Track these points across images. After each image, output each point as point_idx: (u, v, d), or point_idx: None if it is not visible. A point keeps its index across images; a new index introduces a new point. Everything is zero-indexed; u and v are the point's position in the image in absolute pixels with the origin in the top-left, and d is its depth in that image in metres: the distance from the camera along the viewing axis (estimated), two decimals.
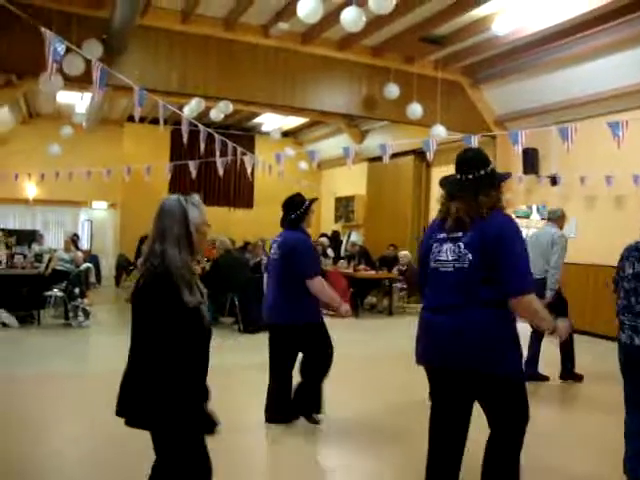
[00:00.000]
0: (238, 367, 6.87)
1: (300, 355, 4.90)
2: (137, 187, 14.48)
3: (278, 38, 9.71)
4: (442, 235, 2.93)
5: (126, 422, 2.43)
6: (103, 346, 8.71)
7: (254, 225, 16.08)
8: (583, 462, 4.33)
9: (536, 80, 10.39)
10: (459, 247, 2.82)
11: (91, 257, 14.33)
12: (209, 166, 12.70)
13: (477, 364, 2.76)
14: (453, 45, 10.07)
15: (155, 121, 13.49)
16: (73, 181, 12.86)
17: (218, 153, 9.27)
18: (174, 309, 2.34)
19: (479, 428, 2.94)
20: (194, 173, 11.16)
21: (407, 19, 8.94)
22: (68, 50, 5.35)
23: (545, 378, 6.55)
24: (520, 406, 2.87)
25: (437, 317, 2.90)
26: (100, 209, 18.05)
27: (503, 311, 2.77)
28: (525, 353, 6.51)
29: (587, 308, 9.02)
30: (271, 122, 16.60)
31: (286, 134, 17.84)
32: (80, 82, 8.05)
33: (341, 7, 7.12)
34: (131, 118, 15.27)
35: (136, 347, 2.42)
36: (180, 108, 10.00)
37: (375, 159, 14.25)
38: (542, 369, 6.56)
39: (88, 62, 6.17)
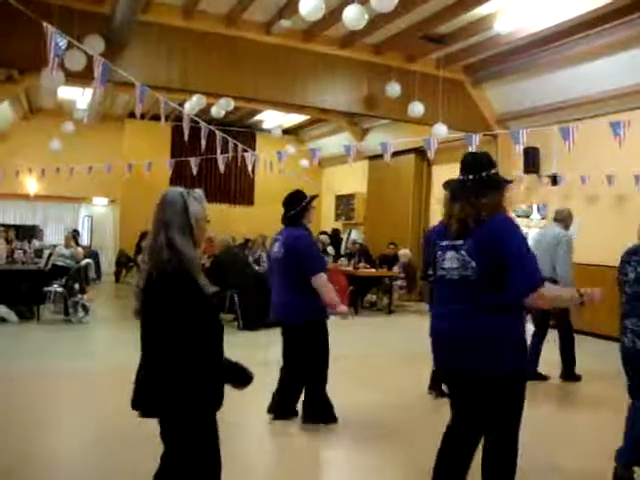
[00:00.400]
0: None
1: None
2: (138, 183, 14.48)
3: (280, 35, 9.70)
4: (445, 242, 2.93)
5: (143, 414, 2.44)
6: (103, 342, 8.72)
7: (255, 222, 16.09)
8: (582, 460, 4.34)
9: (538, 79, 10.38)
10: (462, 255, 2.82)
11: (91, 253, 14.34)
12: (210, 163, 12.71)
13: (483, 368, 2.79)
14: (455, 44, 10.05)
15: (156, 117, 13.49)
16: (74, 177, 12.85)
17: (219, 150, 9.27)
18: (194, 298, 2.35)
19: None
20: (195, 170, 11.16)
21: (409, 17, 8.93)
22: (69, 45, 5.34)
23: (544, 378, 6.55)
24: (518, 409, 2.88)
25: (443, 324, 2.95)
26: (100, 205, 18.07)
27: (509, 315, 2.78)
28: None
29: (587, 308, 8.99)
30: (272, 119, 16.60)
31: (287, 131, 17.83)
32: (81, 78, 8.05)
33: (343, 5, 7.11)
34: (132, 114, 15.25)
35: (154, 340, 2.41)
36: (181, 104, 9.99)
37: (376, 157, 14.24)
38: (541, 368, 6.56)
39: (89, 57, 6.17)
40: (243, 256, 10.56)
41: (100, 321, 9.70)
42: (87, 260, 10.39)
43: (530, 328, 6.59)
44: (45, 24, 4.60)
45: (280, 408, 4.89)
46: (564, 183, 10.40)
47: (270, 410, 4.91)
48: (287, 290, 4.75)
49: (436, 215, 13.99)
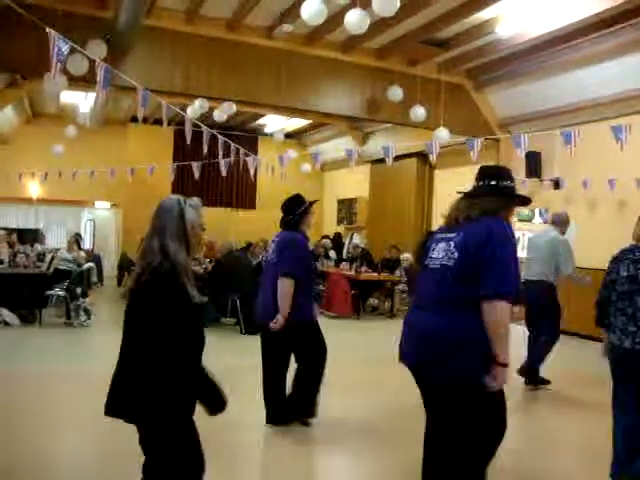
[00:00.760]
0: (239, 368, 6.86)
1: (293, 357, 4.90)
2: (140, 187, 14.50)
3: (282, 40, 9.73)
4: (439, 235, 2.98)
5: (112, 414, 2.44)
6: (104, 346, 8.66)
7: (257, 226, 16.08)
8: (574, 465, 4.33)
9: (540, 84, 10.39)
10: (449, 246, 2.83)
11: (93, 257, 14.36)
12: (212, 167, 12.70)
13: (439, 369, 2.74)
14: (457, 48, 10.07)
15: (159, 122, 13.52)
16: (76, 181, 12.88)
17: (221, 154, 9.28)
18: (181, 304, 2.36)
19: None
20: (197, 174, 11.18)
21: (411, 22, 8.94)
22: (72, 50, 5.36)
23: (547, 382, 6.54)
24: (484, 428, 2.74)
25: (418, 314, 2.93)
26: (103, 209, 18.09)
27: (477, 315, 2.66)
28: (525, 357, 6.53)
29: (588, 312, 8.97)
30: (274, 124, 16.62)
31: (289, 136, 17.84)
32: (84, 82, 8.08)
33: (345, 9, 7.12)
34: (135, 118, 15.29)
35: (134, 343, 2.41)
36: (183, 109, 10.01)
37: (378, 161, 14.25)
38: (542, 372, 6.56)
39: (92, 62, 6.18)
40: (245, 260, 10.56)
41: (102, 325, 9.70)
42: (89, 264, 10.42)
43: (519, 329, 6.60)
44: (48, 29, 4.61)
45: (271, 413, 4.87)
46: (566, 187, 10.40)
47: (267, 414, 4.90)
48: (270, 291, 4.71)
49: (438, 219, 14.00)
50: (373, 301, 12.55)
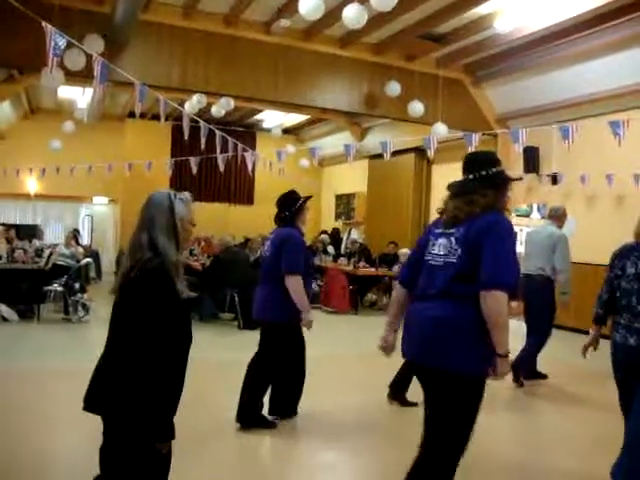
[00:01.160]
0: (237, 363, 6.82)
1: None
2: (138, 183, 14.44)
3: (280, 35, 9.70)
4: (438, 230, 2.96)
5: (89, 408, 2.44)
6: (103, 341, 8.69)
7: (254, 221, 16.06)
8: (573, 460, 4.35)
9: (538, 79, 10.39)
10: (451, 242, 2.82)
11: (91, 252, 14.34)
12: (210, 162, 12.70)
13: (440, 358, 2.72)
14: (455, 43, 10.06)
15: (156, 117, 13.49)
16: (74, 176, 12.85)
17: (219, 149, 9.28)
18: (170, 301, 2.33)
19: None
20: (195, 169, 11.17)
21: (409, 16, 8.93)
22: (69, 45, 5.35)
23: (544, 376, 6.55)
24: (465, 418, 2.75)
25: (419, 306, 2.90)
26: (101, 204, 18.08)
27: (477, 308, 2.67)
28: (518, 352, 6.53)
29: (587, 308, 8.99)
30: (272, 119, 16.61)
31: (287, 131, 17.85)
32: (81, 77, 8.06)
33: (343, 4, 7.11)
34: (132, 114, 15.28)
35: (119, 338, 2.39)
36: (181, 104, 10.00)
37: (376, 156, 14.24)
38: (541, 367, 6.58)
39: (89, 57, 6.18)
40: (243, 255, 10.56)
41: (100, 320, 9.66)
42: (87, 259, 10.41)
43: (519, 324, 6.61)
44: (44, 23, 4.60)
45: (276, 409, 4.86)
46: (564, 182, 10.41)
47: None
48: (268, 288, 4.69)
49: (435, 214, 13.98)
50: (371, 296, 12.57)
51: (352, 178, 16.72)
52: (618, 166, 9.21)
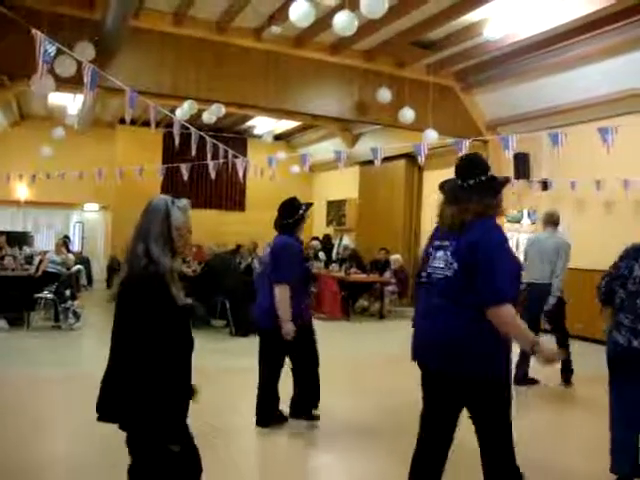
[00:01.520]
0: (229, 370, 6.86)
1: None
2: (129, 189, 14.45)
3: (270, 42, 9.72)
4: (437, 243, 2.97)
5: (103, 418, 2.44)
6: (93, 348, 8.66)
7: (246, 228, 16.07)
8: (578, 461, 4.36)
9: (528, 85, 10.45)
10: (447, 255, 2.84)
11: (82, 259, 14.28)
12: (201, 169, 12.70)
13: (459, 366, 2.76)
14: (445, 50, 10.11)
15: (147, 123, 13.46)
16: (65, 183, 12.83)
17: (210, 156, 9.28)
18: (167, 307, 2.36)
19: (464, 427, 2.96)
20: (186, 176, 11.16)
21: (399, 24, 8.97)
22: (60, 51, 5.34)
23: (535, 382, 6.57)
24: (503, 416, 2.84)
25: (425, 320, 2.94)
26: (92, 211, 18.01)
27: (482, 316, 2.73)
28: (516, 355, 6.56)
29: (575, 312, 9.03)
30: (263, 125, 16.62)
31: (279, 137, 17.85)
32: (72, 84, 8.04)
33: (333, 11, 7.14)
34: (123, 120, 15.25)
35: (122, 347, 2.41)
36: (172, 111, 9.99)
37: (367, 163, 14.28)
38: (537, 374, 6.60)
39: (80, 64, 6.16)
40: (234, 262, 10.56)
41: (91, 327, 9.65)
42: (78, 266, 10.36)
43: None
44: (34, 30, 4.60)
45: (262, 415, 4.89)
46: (554, 188, 10.46)
47: (257, 416, 4.91)
48: (268, 295, 4.73)
49: (427, 220, 14.03)
50: (362, 302, 12.58)
51: (343, 184, 16.74)
52: (607, 172, 9.27)
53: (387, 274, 12.27)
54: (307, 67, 10.23)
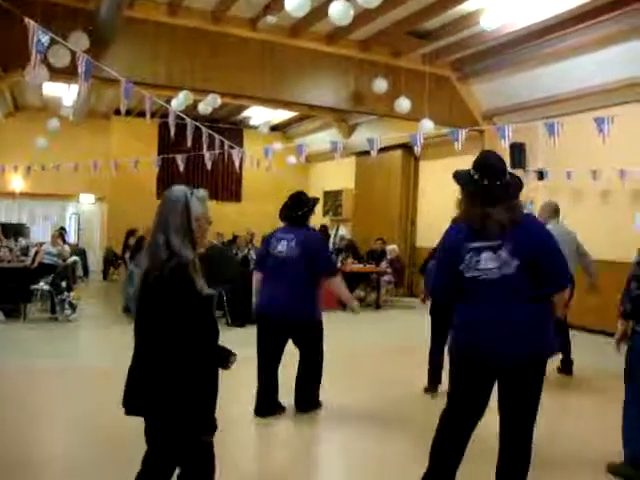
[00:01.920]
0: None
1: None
2: (125, 180, 14.45)
3: (266, 31, 9.67)
4: (477, 244, 2.96)
5: (133, 412, 2.45)
6: (90, 340, 8.69)
7: (242, 218, 16.08)
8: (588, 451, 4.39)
9: (524, 75, 10.43)
10: (502, 254, 2.89)
11: (78, 251, 14.27)
12: (197, 160, 12.66)
13: (530, 349, 2.93)
14: (441, 40, 10.07)
15: (143, 114, 13.41)
16: (60, 174, 12.78)
17: (206, 146, 9.25)
18: (192, 298, 2.37)
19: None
20: (182, 167, 11.13)
21: (395, 13, 8.93)
22: (54, 42, 5.31)
23: None
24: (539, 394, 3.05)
25: (489, 316, 2.98)
26: (88, 202, 17.96)
27: (546, 304, 2.99)
28: None
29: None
30: (259, 116, 16.56)
31: (275, 128, 17.80)
32: (67, 74, 7.99)
33: (329, 1, 7.10)
34: (118, 111, 15.17)
35: (150, 341, 2.41)
36: (168, 101, 9.95)
37: (363, 153, 14.24)
38: None
39: (74, 54, 6.13)
40: (231, 253, 10.55)
41: (87, 319, 9.66)
42: (74, 258, 10.36)
43: None
44: (27, 20, 4.57)
45: (263, 405, 4.92)
46: (550, 178, 10.46)
47: (257, 406, 4.92)
48: (300, 289, 4.80)
49: (423, 210, 14.05)
50: (359, 293, 12.57)
51: (340, 175, 16.72)
52: (603, 162, 9.27)
53: (383, 264, 12.28)
54: (303, 57, 10.19)
